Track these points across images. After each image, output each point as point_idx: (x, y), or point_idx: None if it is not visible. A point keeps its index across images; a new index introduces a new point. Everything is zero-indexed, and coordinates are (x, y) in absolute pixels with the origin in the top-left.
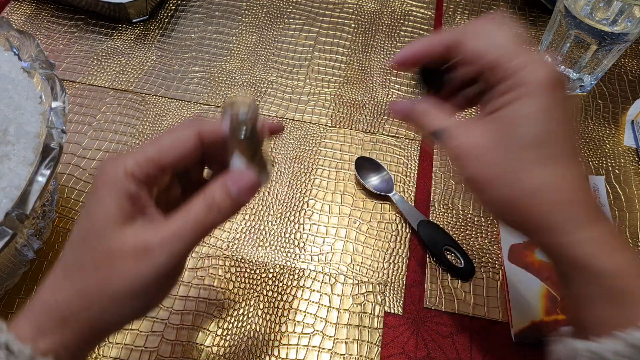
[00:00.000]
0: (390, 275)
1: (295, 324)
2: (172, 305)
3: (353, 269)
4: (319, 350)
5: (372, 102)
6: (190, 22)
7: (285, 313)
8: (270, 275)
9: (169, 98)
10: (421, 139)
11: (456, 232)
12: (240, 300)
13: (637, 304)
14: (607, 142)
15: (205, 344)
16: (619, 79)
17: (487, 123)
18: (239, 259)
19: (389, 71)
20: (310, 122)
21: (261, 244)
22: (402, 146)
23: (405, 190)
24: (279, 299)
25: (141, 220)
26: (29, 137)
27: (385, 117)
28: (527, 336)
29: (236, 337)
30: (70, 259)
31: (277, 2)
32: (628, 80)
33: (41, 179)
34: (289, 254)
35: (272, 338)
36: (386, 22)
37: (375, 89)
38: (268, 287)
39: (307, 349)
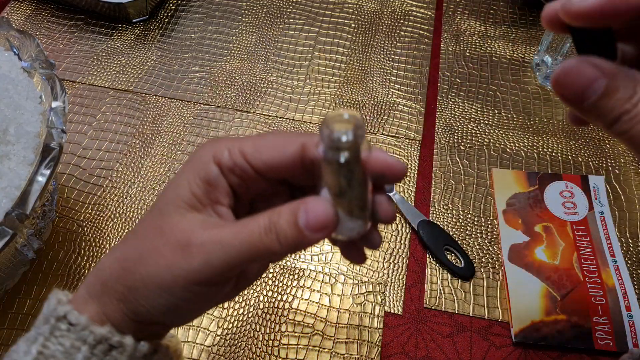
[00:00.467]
0: (390, 275)
1: (295, 324)
2: None
3: (353, 269)
4: (319, 351)
5: (372, 102)
6: (190, 22)
7: (285, 313)
8: (270, 275)
9: (169, 98)
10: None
11: (456, 232)
12: (240, 300)
13: None
14: (607, 142)
15: (205, 344)
16: None
17: None
18: None
19: (389, 71)
20: (311, 122)
21: None
22: (402, 146)
23: (406, 190)
24: (278, 299)
25: (205, 213)
26: (29, 137)
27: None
28: (527, 336)
29: (236, 337)
30: (136, 225)
31: (277, 2)
32: None
33: (41, 179)
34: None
35: (272, 338)
36: (386, 22)
37: (375, 89)
38: (268, 287)
39: (307, 349)
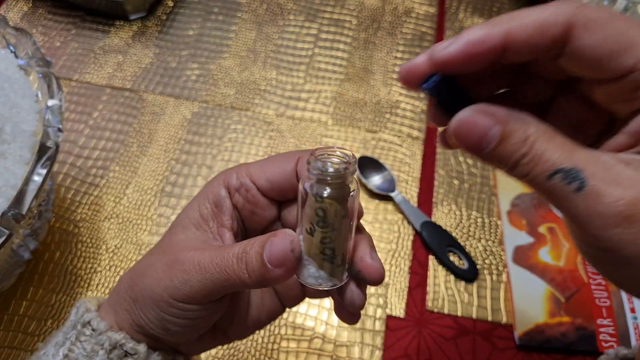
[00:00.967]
0: (392, 277)
1: (295, 327)
2: None
3: None
4: (319, 354)
5: (373, 100)
6: (188, 19)
7: (285, 316)
8: None
9: (166, 96)
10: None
11: (459, 233)
12: None
13: None
14: None
15: None
16: None
17: None
18: None
19: (390, 69)
20: (311, 121)
21: None
22: (404, 145)
23: (408, 190)
24: None
25: (208, 235)
26: (25, 135)
27: (388, 117)
28: (531, 339)
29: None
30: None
31: None
32: None
33: (37, 179)
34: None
35: (271, 341)
36: (388, 19)
37: (377, 87)
38: None
39: (307, 352)
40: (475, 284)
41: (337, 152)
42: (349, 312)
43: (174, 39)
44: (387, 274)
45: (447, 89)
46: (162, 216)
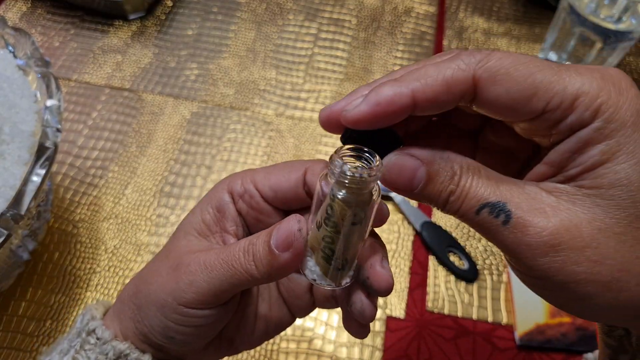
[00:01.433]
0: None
1: (295, 327)
2: None
3: None
4: (319, 355)
5: None
6: (187, 19)
7: None
8: None
9: (165, 96)
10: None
11: (459, 234)
12: None
13: None
14: None
15: None
16: None
17: (577, 194)
18: None
19: (390, 68)
20: (311, 120)
21: None
22: None
23: None
24: None
25: (211, 240)
26: (23, 136)
27: None
28: (531, 339)
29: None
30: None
31: None
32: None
33: (36, 179)
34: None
35: (271, 342)
36: (388, 18)
37: None
38: None
39: (307, 353)
40: (475, 285)
41: (365, 155)
42: (357, 325)
43: (173, 39)
44: None
45: (367, 140)
46: (161, 216)
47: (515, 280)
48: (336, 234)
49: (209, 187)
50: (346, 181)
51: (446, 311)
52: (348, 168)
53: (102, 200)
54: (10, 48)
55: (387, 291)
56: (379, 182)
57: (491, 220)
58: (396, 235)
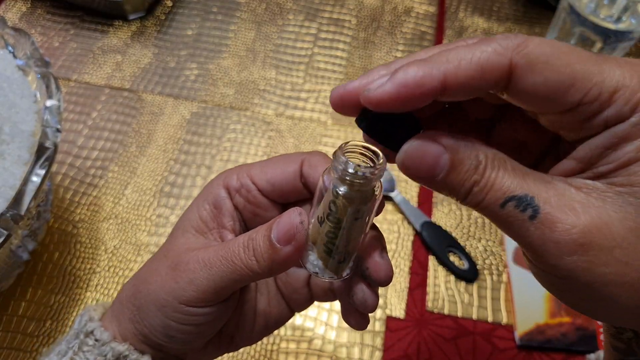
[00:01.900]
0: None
1: (294, 327)
2: None
3: None
4: (319, 355)
5: None
6: (187, 19)
7: None
8: None
9: (165, 96)
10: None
11: (459, 234)
12: None
13: None
14: None
15: None
16: None
17: (608, 192)
18: None
19: None
20: (311, 120)
21: None
22: None
23: (408, 190)
24: None
25: (209, 236)
26: (23, 136)
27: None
28: (531, 339)
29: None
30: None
31: None
32: None
33: (36, 179)
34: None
35: (271, 342)
36: (387, 18)
37: None
38: None
39: (307, 353)
40: (475, 285)
41: (368, 153)
42: (358, 316)
43: (172, 39)
44: None
45: (386, 123)
46: (161, 216)
47: (515, 280)
48: (338, 229)
49: None
50: (349, 178)
51: (446, 311)
52: (351, 166)
53: (102, 201)
54: (10, 48)
55: (387, 281)
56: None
57: (517, 215)
58: (396, 235)
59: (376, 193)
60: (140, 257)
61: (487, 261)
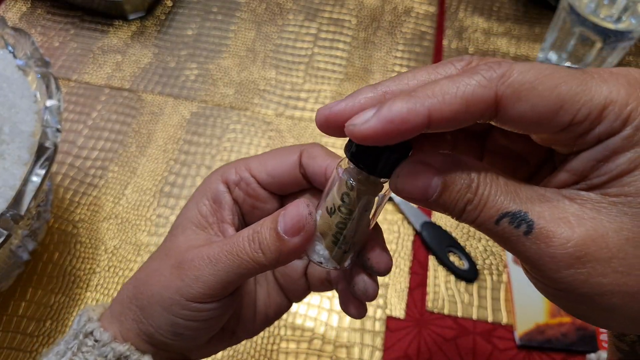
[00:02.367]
0: (392, 278)
1: (294, 327)
2: None
3: None
4: (319, 355)
5: None
6: (187, 19)
7: (285, 316)
8: None
9: (165, 96)
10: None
11: (459, 234)
12: None
13: None
14: None
15: None
16: None
17: (602, 202)
18: None
19: (390, 68)
20: (310, 120)
21: None
22: None
23: None
24: None
25: (210, 232)
26: (23, 136)
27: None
28: (531, 339)
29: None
30: (154, 251)
31: None
32: None
33: (36, 179)
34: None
35: (271, 342)
36: (388, 18)
37: None
38: None
39: (307, 353)
40: (475, 285)
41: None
42: (357, 304)
43: (172, 39)
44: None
45: (373, 150)
46: (161, 217)
47: (515, 280)
48: (350, 220)
49: None
50: (364, 171)
51: (446, 311)
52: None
53: (102, 201)
54: (10, 48)
55: (387, 271)
56: None
57: (512, 231)
58: (396, 235)
59: (385, 189)
60: (140, 257)
61: (487, 261)
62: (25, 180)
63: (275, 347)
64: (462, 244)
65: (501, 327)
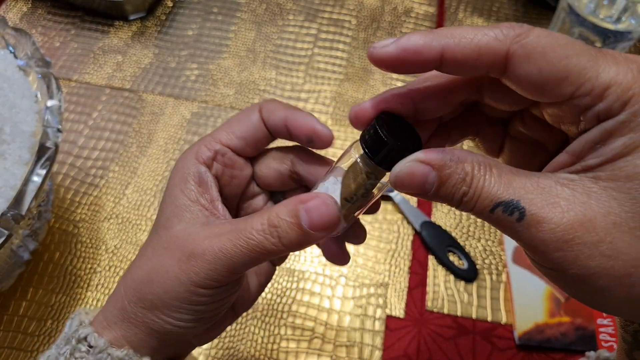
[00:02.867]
0: (391, 278)
1: (294, 327)
2: None
3: (354, 270)
4: (319, 354)
5: None
6: (187, 19)
7: (285, 316)
8: None
9: (166, 96)
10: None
11: (459, 233)
12: None
13: None
14: None
15: (204, 347)
16: None
17: (593, 186)
18: None
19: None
20: None
21: None
22: None
23: None
24: (278, 301)
25: (204, 215)
26: (24, 136)
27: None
28: (530, 338)
29: (235, 341)
30: (142, 248)
31: None
32: None
33: (37, 179)
34: (288, 256)
35: (271, 341)
36: (387, 19)
37: (376, 87)
38: (267, 290)
39: (307, 352)
40: (474, 284)
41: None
42: (341, 252)
43: (173, 39)
44: (387, 273)
45: (384, 142)
46: None
47: (515, 280)
48: (356, 197)
49: None
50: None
51: (446, 310)
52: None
53: (102, 200)
54: (11, 48)
55: (376, 211)
56: None
57: (506, 218)
58: (396, 235)
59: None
60: None
61: (486, 261)
62: (26, 180)
63: (275, 346)
64: (461, 243)
65: (501, 327)
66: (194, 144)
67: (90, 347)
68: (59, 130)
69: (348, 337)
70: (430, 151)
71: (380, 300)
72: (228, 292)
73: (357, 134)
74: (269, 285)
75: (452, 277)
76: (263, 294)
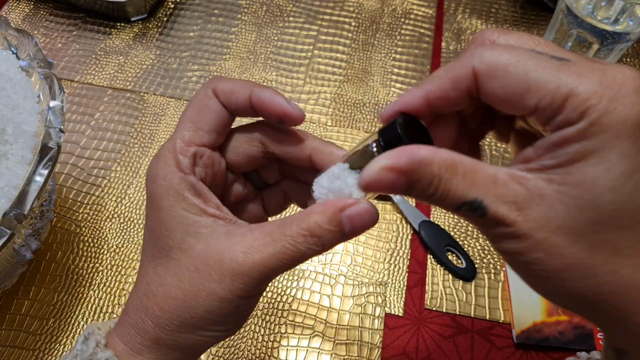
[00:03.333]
0: (390, 276)
1: (294, 325)
2: None
3: (353, 269)
4: (318, 352)
5: (372, 101)
6: (189, 21)
7: (285, 314)
8: None
9: (167, 97)
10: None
11: (457, 233)
12: None
13: None
14: None
15: None
16: None
17: (546, 188)
18: None
19: (389, 70)
20: (310, 122)
21: None
22: None
23: None
24: (278, 300)
25: (219, 224)
26: (26, 136)
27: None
28: (528, 337)
29: (235, 339)
30: (155, 276)
31: (277, 0)
32: None
33: (39, 179)
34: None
35: (271, 339)
36: (387, 20)
37: (376, 88)
38: (268, 289)
39: (307, 350)
40: (473, 283)
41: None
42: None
43: (174, 41)
44: (386, 272)
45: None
46: None
47: (513, 279)
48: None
49: None
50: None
51: (444, 309)
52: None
53: (104, 200)
54: (13, 49)
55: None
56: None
57: (471, 215)
58: (395, 234)
59: None
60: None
61: (485, 260)
62: (29, 180)
63: (275, 344)
64: (460, 243)
65: (499, 325)
66: (160, 151)
67: None
68: (61, 131)
69: (347, 335)
70: (400, 156)
71: (380, 299)
72: (252, 302)
73: (356, 134)
74: (270, 284)
75: (450, 276)
76: (264, 293)
